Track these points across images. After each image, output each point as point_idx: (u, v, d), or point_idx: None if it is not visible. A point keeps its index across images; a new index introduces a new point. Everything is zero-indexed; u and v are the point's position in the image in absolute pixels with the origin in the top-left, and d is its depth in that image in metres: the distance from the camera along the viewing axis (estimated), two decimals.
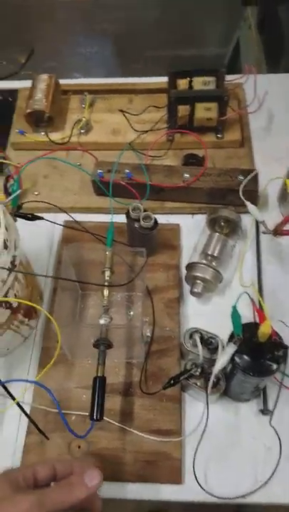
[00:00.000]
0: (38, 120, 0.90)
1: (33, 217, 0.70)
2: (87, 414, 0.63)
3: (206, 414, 0.62)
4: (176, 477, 0.62)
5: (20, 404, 0.58)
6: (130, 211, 0.73)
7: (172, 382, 0.62)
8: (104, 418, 0.58)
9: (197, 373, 0.63)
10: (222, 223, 0.77)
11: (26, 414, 0.59)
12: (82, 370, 0.69)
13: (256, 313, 0.57)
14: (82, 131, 0.90)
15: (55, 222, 0.73)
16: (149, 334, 0.70)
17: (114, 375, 0.68)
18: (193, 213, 0.83)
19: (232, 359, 0.57)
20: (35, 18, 1.30)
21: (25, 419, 0.62)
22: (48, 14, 1.30)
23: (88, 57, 1.36)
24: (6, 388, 0.57)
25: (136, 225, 0.73)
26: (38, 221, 0.70)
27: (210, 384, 0.60)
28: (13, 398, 0.57)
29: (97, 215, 0.83)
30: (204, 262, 0.73)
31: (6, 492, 0.43)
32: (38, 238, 0.80)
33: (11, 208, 0.74)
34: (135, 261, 0.76)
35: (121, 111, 0.91)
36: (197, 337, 0.64)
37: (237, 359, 0.57)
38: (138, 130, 0.89)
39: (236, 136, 0.88)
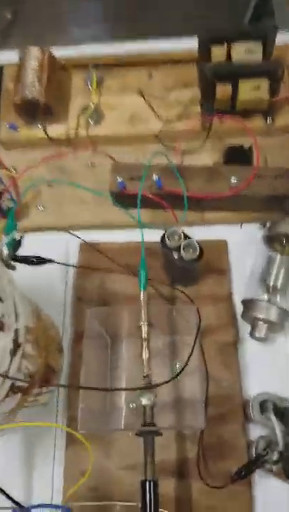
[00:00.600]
0: (32, 110, 0.70)
1: (38, 261, 0.53)
2: (133, 504, 0.50)
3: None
4: None
5: None
6: (166, 238, 0.56)
7: (243, 473, 0.48)
8: None
9: (274, 458, 0.49)
10: (284, 241, 0.59)
11: None
12: (123, 445, 0.55)
13: None
14: (91, 121, 0.71)
15: (68, 265, 0.57)
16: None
17: (163, 451, 0.54)
18: (242, 223, 0.66)
19: None
20: None
21: None
22: None
23: (89, 15, 1.11)
24: None
25: (174, 255, 0.56)
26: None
27: None
28: None
29: (120, 232, 0.66)
30: (266, 297, 0.57)
31: None
32: (48, 270, 0.63)
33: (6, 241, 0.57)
34: (174, 293, 0.61)
35: (140, 93, 0.71)
36: (270, 408, 0.50)
37: None
38: (163, 116, 0.70)
39: None
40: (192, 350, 0.46)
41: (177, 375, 0.46)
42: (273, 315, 0.56)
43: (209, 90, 0.64)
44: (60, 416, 0.58)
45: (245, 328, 0.59)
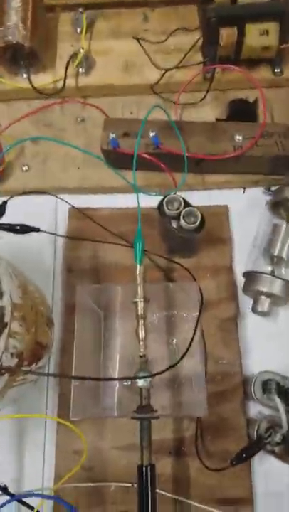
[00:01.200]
0: (15, 56, 0.63)
1: (23, 230, 0.48)
2: (128, 485, 0.49)
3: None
4: None
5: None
6: (164, 206, 0.50)
7: (244, 456, 0.46)
8: None
9: (276, 439, 0.46)
10: None
11: None
12: (117, 424, 0.52)
13: None
14: (81, 69, 0.64)
15: (57, 234, 0.52)
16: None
17: (160, 429, 0.51)
18: (244, 187, 0.60)
19: None
20: None
21: None
22: None
23: None
24: (22, 502, 0.41)
25: (173, 224, 0.51)
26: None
27: None
28: (32, 508, 0.42)
29: (112, 197, 0.61)
30: (269, 269, 0.53)
31: None
32: (34, 238, 0.58)
33: None
34: (171, 265, 0.57)
35: (135, 38, 0.63)
36: (273, 388, 0.47)
37: None
38: (160, 65, 0.62)
39: None
40: (194, 333, 0.43)
41: (178, 362, 0.42)
42: (277, 288, 0.52)
43: (212, 35, 0.57)
44: (50, 392, 0.55)
45: (246, 302, 0.56)
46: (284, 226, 0.54)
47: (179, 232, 0.51)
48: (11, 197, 0.52)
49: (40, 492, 0.46)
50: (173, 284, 0.54)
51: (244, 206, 0.59)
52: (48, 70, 0.64)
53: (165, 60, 0.63)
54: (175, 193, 0.51)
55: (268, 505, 0.50)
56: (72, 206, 0.57)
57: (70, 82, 0.64)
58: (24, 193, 0.60)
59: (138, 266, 0.48)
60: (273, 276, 0.52)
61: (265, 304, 0.53)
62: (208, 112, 0.62)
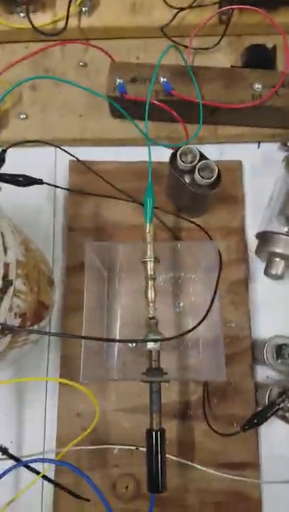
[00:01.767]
0: None
1: (26, 182, 0.45)
2: (132, 447, 0.47)
3: None
4: None
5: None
6: (179, 158, 0.47)
7: (256, 421, 0.45)
8: None
9: None
10: None
11: (58, 485, 0.42)
12: (122, 385, 0.51)
13: None
14: (84, 8, 0.58)
15: (60, 187, 0.48)
16: None
17: (165, 392, 0.49)
18: (259, 142, 0.57)
19: None
20: None
21: None
22: None
23: None
24: (28, 466, 0.39)
25: (186, 179, 0.48)
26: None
27: None
28: (38, 473, 0.40)
29: (117, 149, 0.57)
30: (285, 230, 0.50)
31: None
32: (33, 193, 0.53)
33: None
34: (179, 223, 0.53)
35: None
36: (287, 353, 0.45)
37: None
38: (172, 5, 0.57)
39: None
40: (214, 295, 0.40)
41: (198, 324, 0.40)
42: None
43: None
44: (52, 353, 0.53)
45: (257, 264, 0.53)
46: None
47: (192, 188, 0.47)
48: (9, 146, 0.48)
49: (42, 456, 0.44)
50: (183, 244, 0.51)
51: (258, 163, 0.56)
52: (48, 8, 0.59)
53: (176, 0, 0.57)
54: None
55: (272, 469, 0.49)
56: (76, 158, 0.53)
57: (72, 22, 0.58)
58: (21, 143, 0.55)
59: (148, 224, 0.44)
60: None
61: (279, 266, 0.50)
62: (222, 58, 0.58)
